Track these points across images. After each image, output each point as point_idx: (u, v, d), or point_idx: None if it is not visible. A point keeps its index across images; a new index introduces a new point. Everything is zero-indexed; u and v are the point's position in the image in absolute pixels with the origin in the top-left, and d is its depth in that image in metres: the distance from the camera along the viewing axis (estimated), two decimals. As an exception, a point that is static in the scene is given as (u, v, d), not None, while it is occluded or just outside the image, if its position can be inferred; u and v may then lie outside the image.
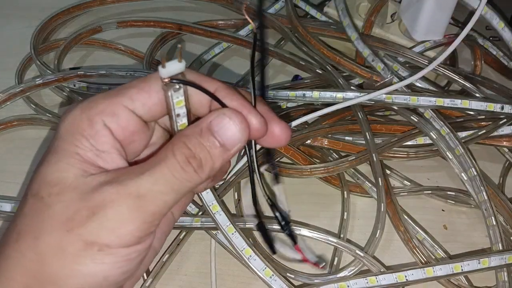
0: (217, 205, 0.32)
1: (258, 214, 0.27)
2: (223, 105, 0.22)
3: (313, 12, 0.50)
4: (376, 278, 0.32)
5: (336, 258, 0.36)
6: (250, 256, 0.33)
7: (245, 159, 0.38)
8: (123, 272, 0.21)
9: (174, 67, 0.21)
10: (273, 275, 0.32)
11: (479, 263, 0.33)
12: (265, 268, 0.33)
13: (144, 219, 0.21)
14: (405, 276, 0.32)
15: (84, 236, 0.20)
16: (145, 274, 0.35)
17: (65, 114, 0.22)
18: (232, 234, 0.33)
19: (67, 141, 0.21)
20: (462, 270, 0.32)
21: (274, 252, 0.28)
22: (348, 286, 0.32)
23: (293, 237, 0.27)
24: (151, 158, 0.22)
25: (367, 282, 0.32)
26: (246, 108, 0.22)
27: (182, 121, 0.23)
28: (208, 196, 0.32)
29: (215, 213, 0.32)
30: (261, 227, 0.27)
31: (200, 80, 0.22)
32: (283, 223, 0.27)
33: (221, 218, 0.32)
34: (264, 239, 0.27)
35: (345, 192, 0.39)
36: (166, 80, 0.21)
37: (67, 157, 0.21)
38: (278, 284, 0.32)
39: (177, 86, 0.21)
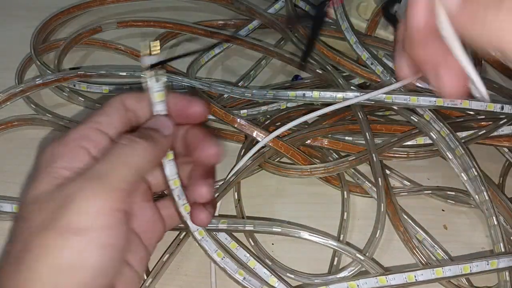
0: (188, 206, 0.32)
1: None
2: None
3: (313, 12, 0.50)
4: (386, 278, 0.32)
5: (336, 259, 0.36)
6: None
7: (244, 159, 0.38)
8: (102, 260, 0.23)
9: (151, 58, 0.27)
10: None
11: (487, 264, 0.33)
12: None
13: (109, 193, 0.23)
14: (415, 276, 0.32)
15: (59, 228, 0.22)
16: (145, 274, 0.35)
17: (43, 149, 0.26)
18: (202, 237, 0.33)
19: (45, 167, 0.25)
20: (471, 271, 0.32)
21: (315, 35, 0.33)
22: (358, 285, 0.32)
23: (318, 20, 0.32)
24: None
25: (377, 282, 0.32)
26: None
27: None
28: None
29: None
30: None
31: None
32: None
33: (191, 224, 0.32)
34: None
35: (345, 192, 0.39)
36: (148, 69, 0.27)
37: (45, 178, 0.24)
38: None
39: (156, 80, 0.27)
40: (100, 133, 0.26)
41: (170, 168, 0.29)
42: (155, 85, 0.27)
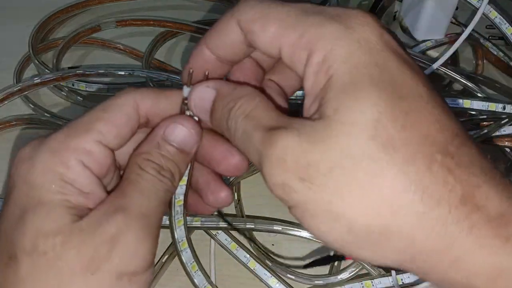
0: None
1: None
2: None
3: (313, 11, 0.50)
4: (372, 282, 0.32)
5: (337, 259, 0.35)
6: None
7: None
8: None
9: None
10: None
11: None
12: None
13: (154, 234, 0.22)
14: (402, 279, 0.32)
15: (113, 271, 0.20)
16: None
17: (27, 160, 0.21)
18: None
19: (49, 191, 0.20)
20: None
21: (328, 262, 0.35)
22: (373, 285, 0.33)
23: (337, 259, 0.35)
24: (121, 183, 0.22)
25: (363, 286, 0.33)
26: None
27: None
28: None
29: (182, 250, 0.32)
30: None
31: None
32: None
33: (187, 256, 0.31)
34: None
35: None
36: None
37: (57, 207, 0.20)
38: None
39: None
40: (103, 148, 0.22)
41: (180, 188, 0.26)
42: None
